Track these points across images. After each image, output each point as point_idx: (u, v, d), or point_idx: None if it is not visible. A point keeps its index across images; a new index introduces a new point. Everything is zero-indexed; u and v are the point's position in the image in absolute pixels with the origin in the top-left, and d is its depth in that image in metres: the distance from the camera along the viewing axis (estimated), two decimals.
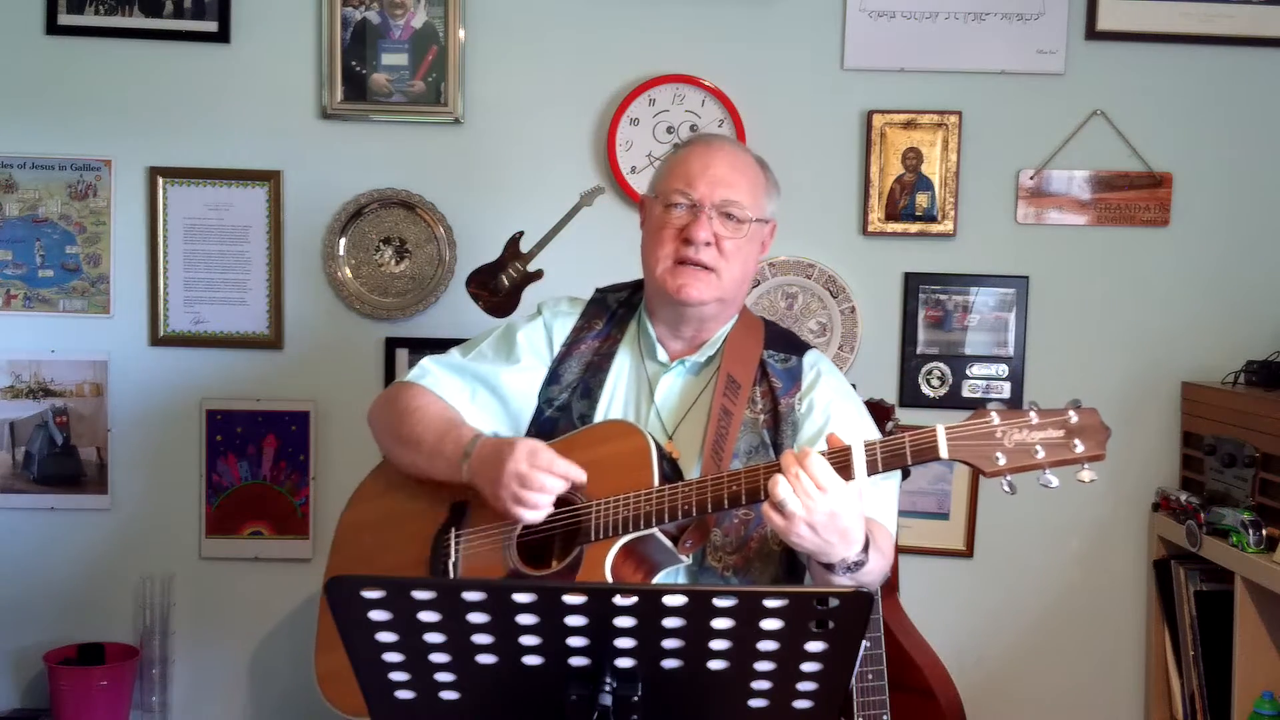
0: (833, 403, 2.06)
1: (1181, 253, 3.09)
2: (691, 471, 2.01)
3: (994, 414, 1.75)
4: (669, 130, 3.06)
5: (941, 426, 1.76)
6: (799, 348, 2.15)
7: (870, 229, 3.08)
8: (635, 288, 2.22)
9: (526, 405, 2.14)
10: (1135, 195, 3.07)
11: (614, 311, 2.20)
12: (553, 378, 2.14)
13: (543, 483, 1.88)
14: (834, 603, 1.35)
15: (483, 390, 2.15)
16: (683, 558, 1.94)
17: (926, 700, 2.64)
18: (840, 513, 1.74)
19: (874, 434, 2.08)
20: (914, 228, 3.08)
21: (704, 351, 2.11)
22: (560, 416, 2.10)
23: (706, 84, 3.05)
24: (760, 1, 3.05)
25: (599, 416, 2.09)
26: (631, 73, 3.06)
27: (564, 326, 2.18)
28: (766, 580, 2.03)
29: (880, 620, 2.59)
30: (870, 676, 2.51)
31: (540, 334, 2.18)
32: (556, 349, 2.17)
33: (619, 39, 3.07)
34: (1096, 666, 3.14)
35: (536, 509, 1.89)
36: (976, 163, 3.08)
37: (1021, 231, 3.09)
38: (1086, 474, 1.74)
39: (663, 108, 3.06)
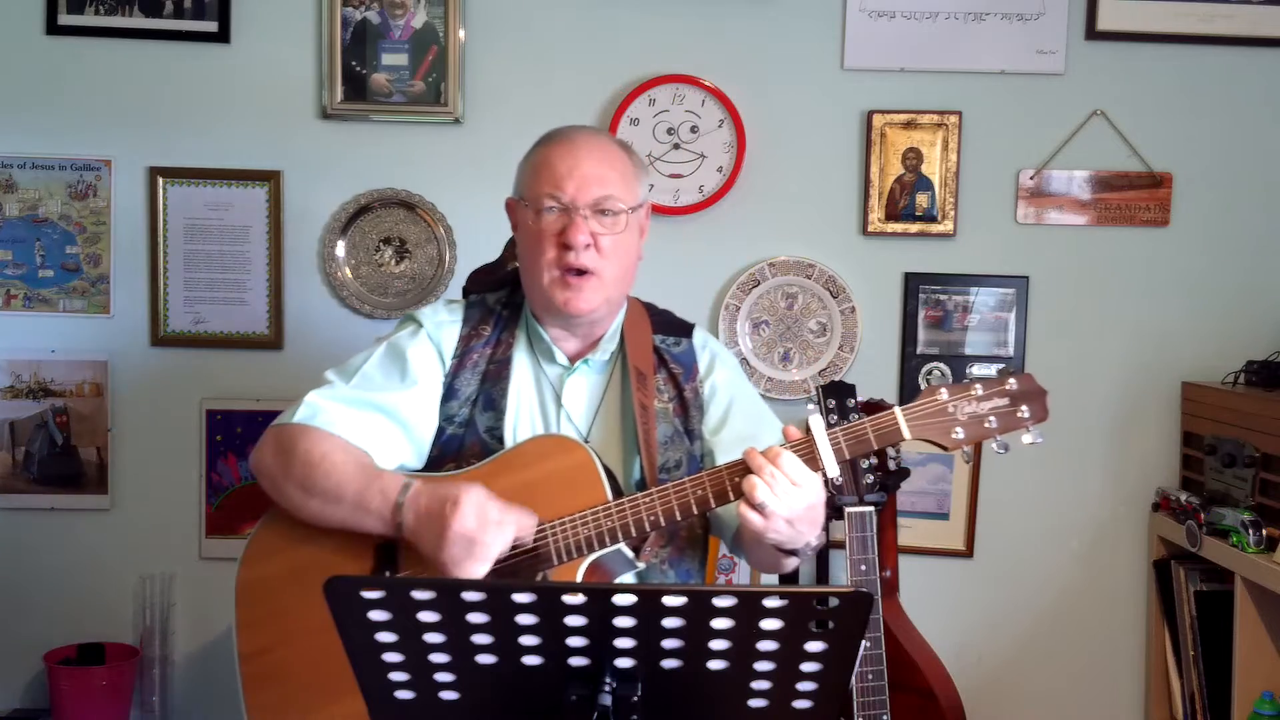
0: (732, 381, 2.11)
1: (1181, 253, 3.09)
2: (620, 471, 1.99)
3: (943, 390, 1.85)
4: (669, 131, 3.06)
5: (898, 409, 1.84)
6: (684, 329, 2.15)
7: (870, 229, 3.08)
8: (514, 285, 2.13)
9: (428, 427, 2.03)
10: (1135, 195, 3.08)
11: (498, 314, 2.10)
12: (449, 393, 2.03)
13: (492, 540, 1.78)
14: (834, 603, 1.35)
15: (382, 419, 2.00)
16: (640, 564, 1.93)
17: (926, 700, 2.64)
18: (815, 503, 1.80)
19: (768, 410, 2.14)
20: (914, 228, 3.08)
21: (604, 348, 2.07)
22: (464, 433, 2.02)
23: (706, 84, 3.05)
24: (760, 1, 3.05)
25: (508, 428, 2.02)
26: (631, 73, 3.06)
27: (450, 337, 2.07)
28: (696, 565, 2.05)
29: (880, 620, 2.59)
30: (870, 676, 2.51)
31: (429, 349, 2.05)
32: (448, 362, 2.05)
33: (619, 39, 3.07)
34: (1096, 666, 3.14)
35: (484, 563, 1.79)
36: (976, 163, 3.08)
37: (1021, 231, 3.09)
38: (1029, 437, 1.85)
39: (663, 108, 3.06)
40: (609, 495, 1.88)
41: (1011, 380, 1.84)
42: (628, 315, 2.11)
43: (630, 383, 2.03)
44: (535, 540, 1.87)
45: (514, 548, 1.86)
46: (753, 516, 1.76)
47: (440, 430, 2.03)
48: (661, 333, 2.12)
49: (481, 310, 2.11)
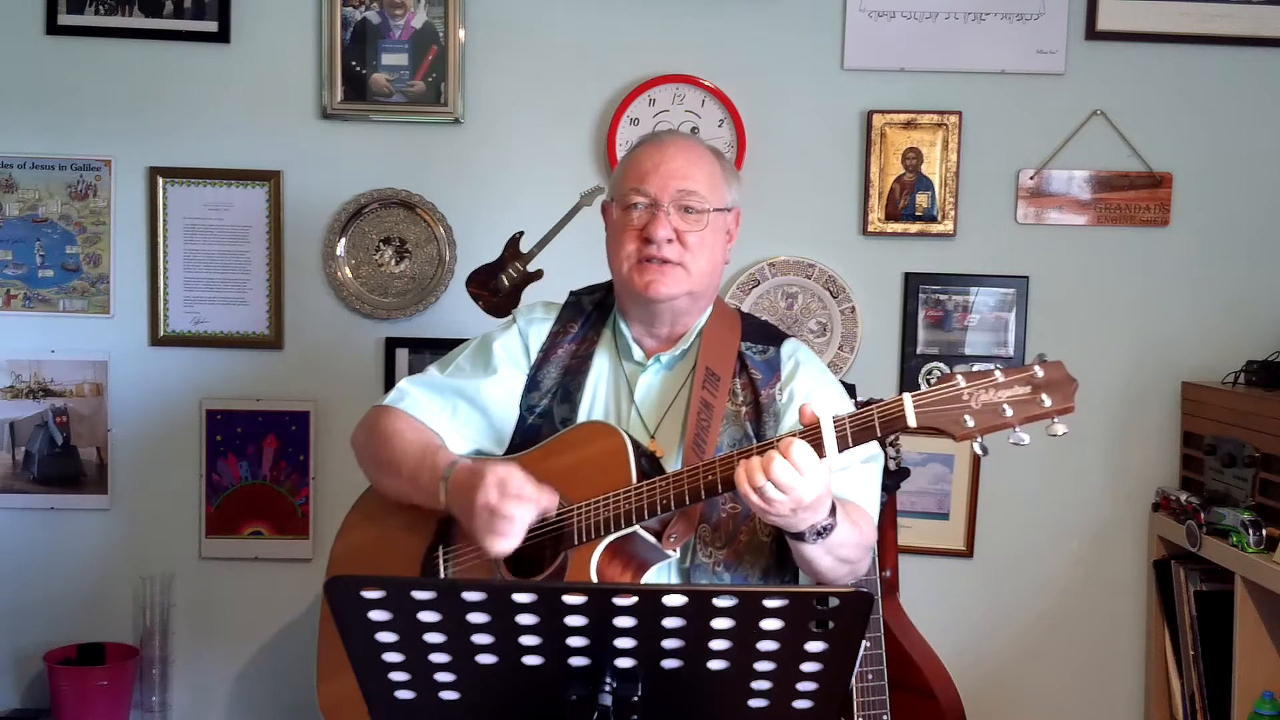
0: (813, 391, 2.05)
1: (1181, 253, 3.09)
2: (673, 467, 2.00)
3: (960, 377, 1.74)
4: (669, 131, 3.05)
5: (909, 395, 1.75)
6: (776, 338, 2.15)
7: (870, 229, 3.08)
8: (609, 288, 2.20)
9: (508, 415, 2.12)
10: (1135, 195, 3.08)
11: (589, 313, 2.18)
12: (532, 384, 2.13)
13: (512, 513, 1.84)
14: (834, 603, 1.35)
15: (463, 405, 2.13)
16: (669, 553, 1.93)
17: (926, 700, 2.64)
18: (816, 488, 1.76)
19: None
20: (914, 228, 3.08)
21: (679, 345, 2.10)
22: (542, 423, 2.09)
23: (706, 84, 3.05)
24: (760, 1, 3.05)
25: (580, 420, 2.07)
26: (631, 73, 3.06)
27: (539, 332, 2.17)
28: (758, 573, 2.03)
29: (880, 620, 2.59)
30: (870, 676, 2.51)
31: (516, 342, 2.16)
32: (534, 355, 2.15)
33: (619, 39, 3.07)
34: (1096, 666, 3.14)
35: (507, 538, 1.85)
36: (976, 163, 3.08)
37: (1021, 231, 3.09)
38: (1059, 428, 1.72)
39: (663, 108, 3.06)
40: (634, 480, 1.90)
41: (1038, 368, 1.72)
42: (713, 317, 2.13)
43: (696, 380, 2.05)
44: (561, 520, 1.92)
45: (541, 524, 1.90)
46: (752, 497, 1.75)
47: (522, 419, 2.12)
48: (750, 340, 2.13)
49: (574, 309, 2.20)
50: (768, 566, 2.02)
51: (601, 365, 2.13)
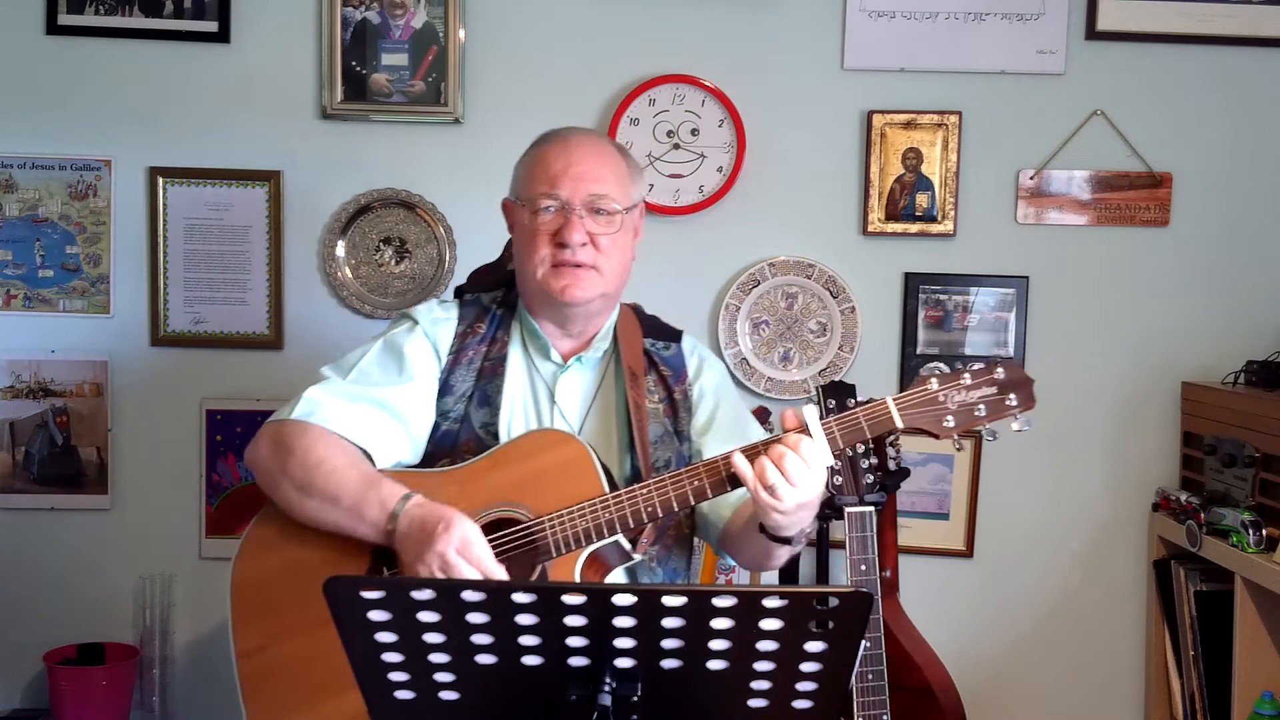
0: (719, 387, 2.16)
1: (1181, 253, 3.09)
2: (615, 469, 2.01)
3: (933, 380, 1.88)
4: (669, 132, 3.06)
5: (890, 398, 1.87)
6: (674, 334, 2.19)
7: (870, 229, 3.08)
8: (509, 285, 2.15)
9: (425, 422, 2.04)
10: (1135, 195, 3.07)
11: (494, 313, 2.12)
12: (444, 389, 2.05)
13: (464, 575, 1.78)
14: (834, 603, 1.35)
15: (381, 415, 2.00)
16: (637, 556, 1.93)
17: (926, 700, 2.64)
18: (819, 485, 1.83)
19: (750, 414, 2.20)
20: (914, 228, 3.08)
21: (597, 347, 2.10)
22: (460, 428, 2.03)
23: (706, 84, 3.05)
24: (760, 2, 3.05)
25: (502, 424, 2.03)
26: (631, 73, 3.06)
27: (445, 334, 2.08)
28: (684, 564, 2.08)
29: (880, 620, 2.59)
30: (870, 676, 2.51)
31: (425, 344, 2.07)
32: (444, 359, 2.06)
33: (619, 39, 3.07)
34: (1096, 666, 3.14)
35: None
36: (976, 163, 3.08)
37: (1021, 231, 3.09)
38: (1017, 424, 1.88)
39: (663, 108, 3.06)
40: (605, 488, 1.89)
41: (999, 369, 1.87)
42: (619, 317, 2.14)
43: (624, 381, 2.05)
44: (530, 532, 1.88)
45: (508, 536, 1.87)
46: (762, 494, 1.78)
47: (435, 426, 2.04)
48: (651, 336, 2.15)
49: (477, 309, 2.13)
50: (689, 558, 2.11)
51: (516, 367, 2.09)
